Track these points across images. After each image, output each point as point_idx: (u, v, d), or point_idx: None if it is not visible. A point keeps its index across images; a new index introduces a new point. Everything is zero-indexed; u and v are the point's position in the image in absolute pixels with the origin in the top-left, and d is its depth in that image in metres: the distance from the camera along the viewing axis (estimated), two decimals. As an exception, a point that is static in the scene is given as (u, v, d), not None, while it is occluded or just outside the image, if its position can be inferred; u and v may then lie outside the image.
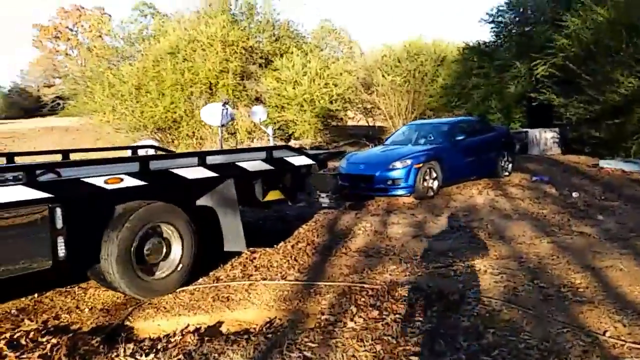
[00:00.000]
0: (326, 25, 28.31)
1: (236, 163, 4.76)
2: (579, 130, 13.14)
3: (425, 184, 8.30)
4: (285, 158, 5.32)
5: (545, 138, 15.04)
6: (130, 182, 3.89)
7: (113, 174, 3.81)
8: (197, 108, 17.32)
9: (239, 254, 5.30)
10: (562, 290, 4.23)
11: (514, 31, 18.66)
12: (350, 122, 26.23)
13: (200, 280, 4.66)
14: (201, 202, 4.92)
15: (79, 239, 3.77)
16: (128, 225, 3.94)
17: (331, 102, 18.27)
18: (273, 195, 5.48)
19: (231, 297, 4.22)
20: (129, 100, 17.69)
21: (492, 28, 19.15)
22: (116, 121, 18.14)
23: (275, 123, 18.61)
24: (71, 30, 54.29)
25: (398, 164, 8.19)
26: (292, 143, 20.48)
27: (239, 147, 16.50)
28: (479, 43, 20.02)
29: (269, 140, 14.56)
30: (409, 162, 8.17)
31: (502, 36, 19.34)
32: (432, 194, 8.40)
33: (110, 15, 48.68)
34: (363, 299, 4.08)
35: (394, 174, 8.14)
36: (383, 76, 25.36)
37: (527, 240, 5.84)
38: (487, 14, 19.03)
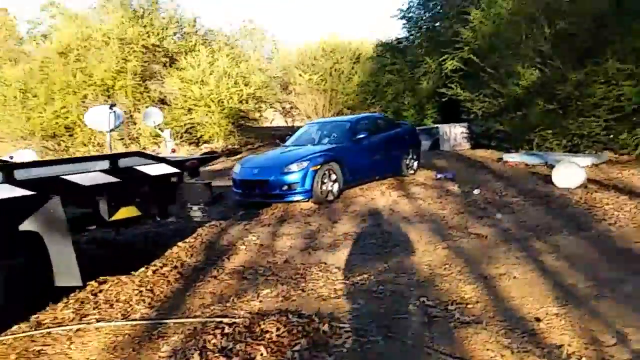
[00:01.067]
0: (246, 25, 27.08)
1: (62, 177, 3.84)
2: (486, 124, 13.13)
3: (325, 187, 7.68)
4: (136, 167, 4.45)
5: (455, 133, 15.00)
6: None
7: None
8: (93, 112, 15.87)
9: (79, 287, 4.38)
10: (450, 309, 3.70)
11: (424, 27, 18.70)
12: (268, 123, 25.44)
13: (15, 327, 3.71)
14: (25, 227, 3.95)
15: None
16: None
17: (241, 102, 17.36)
18: (126, 213, 4.59)
19: (44, 351, 3.32)
20: (13, 105, 15.89)
21: (404, 24, 19.15)
22: (-1, 128, 16.28)
23: (182, 126, 17.47)
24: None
25: (294, 167, 7.51)
26: (203, 147, 19.38)
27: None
28: (391, 40, 20.00)
29: (166, 145, 13.47)
30: (305, 164, 7.52)
31: (413, 32, 19.35)
32: (332, 197, 7.80)
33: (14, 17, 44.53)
34: (214, 340, 3.33)
35: (290, 177, 7.46)
36: (300, 75, 24.82)
37: (421, 247, 5.33)
38: (398, 9, 18.95)
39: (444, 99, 15.54)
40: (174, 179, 5.38)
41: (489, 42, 12.74)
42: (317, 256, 5.28)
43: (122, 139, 17.25)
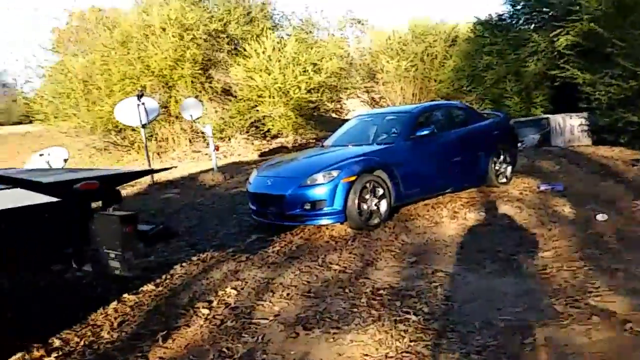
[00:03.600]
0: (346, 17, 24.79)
1: None
2: (613, 114, 9.92)
3: (365, 206, 5.37)
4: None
5: (571, 126, 11.94)
6: None
7: None
8: (152, 105, 14.74)
9: None
10: None
11: (532, -3, 15.61)
12: (351, 115, 23.36)
13: None
14: None
15: None
16: None
17: (310, 92, 15.33)
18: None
19: None
20: (75, 98, 15.23)
21: (507, -3, 16.13)
22: (61, 123, 15.71)
23: (246, 119, 15.85)
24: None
25: (319, 178, 5.28)
26: (273, 142, 17.69)
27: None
28: (491, 16, 17.11)
29: (207, 143, 11.84)
30: (335, 173, 5.26)
31: (518, 6, 16.27)
32: (377, 220, 5.47)
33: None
34: None
35: (313, 192, 5.25)
36: (387, 62, 22.45)
37: (495, 337, 2.91)
38: (503, -21, 15.93)
39: (556, 84, 12.65)
40: (98, 204, 3.47)
41: (619, 5, 9.58)
42: (308, 345, 3.07)
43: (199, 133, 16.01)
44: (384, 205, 5.52)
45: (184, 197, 8.59)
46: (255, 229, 5.91)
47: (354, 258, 4.63)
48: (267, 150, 16.63)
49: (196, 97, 15.44)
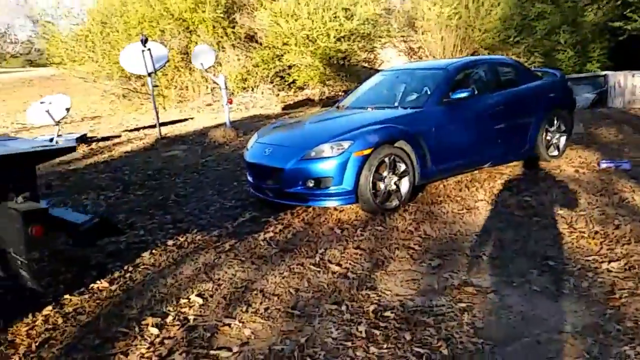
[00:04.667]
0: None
1: None
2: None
3: (382, 185, 4.37)
4: None
5: (633, 85, 10.47)
6: None
7: None
8: (171, 50, 13.82)
9: None
10: None
11: None
12: (384, 65, 21.84)
13: None
14: None
15: None
16: None
17: (340, 40, 14.02)
18: None
19: None
20: (92, 41, 14.40)
21: None
22: (78, 67, 14.96)
23: (270, 69, 14.72)
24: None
25: (326, 149, 4.28)
26: (300, 95, 16.52)
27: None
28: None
29: (221, 94, 10.84)
30: (345, 145, 4.24)
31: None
32: (396, 203, 4.46)
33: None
34: None
35: (318, 167, 4.26)
36: (429, 8, 20.66)
37: None
38: None
39: (621, 38, 11.08)
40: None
41: None
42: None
43: (206, 80, 15.03)
44: (405, 185, 4.50)
45: (188, 156, 7.76)
46: (252, 205, 5.01)
47: (361, 255, 3.67)
48: (291, 102, 15.55)
49: (218, 43, 14.41)
